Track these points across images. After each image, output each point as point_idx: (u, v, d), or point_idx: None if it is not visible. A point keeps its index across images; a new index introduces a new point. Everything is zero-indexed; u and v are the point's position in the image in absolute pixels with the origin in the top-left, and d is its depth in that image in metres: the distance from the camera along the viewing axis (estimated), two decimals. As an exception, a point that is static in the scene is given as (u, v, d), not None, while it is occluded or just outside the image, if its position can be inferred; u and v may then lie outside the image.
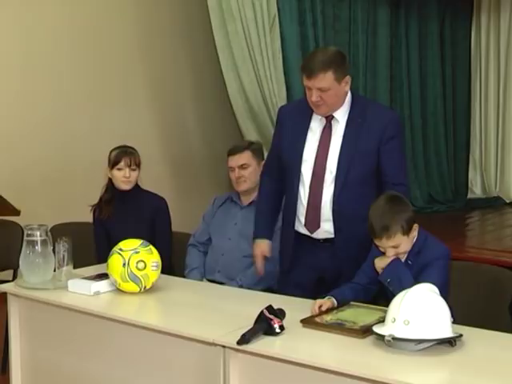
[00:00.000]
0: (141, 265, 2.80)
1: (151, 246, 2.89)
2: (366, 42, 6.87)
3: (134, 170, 3.58)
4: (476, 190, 8.16)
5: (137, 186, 3.64)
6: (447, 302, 2.24)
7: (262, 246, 3.16)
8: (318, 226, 2.98)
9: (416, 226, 2.55)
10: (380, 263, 2.55)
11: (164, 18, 6.12)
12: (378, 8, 6.97)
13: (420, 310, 2.16)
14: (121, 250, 2.83)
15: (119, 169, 3.56)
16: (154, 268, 2.84)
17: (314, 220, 2.98)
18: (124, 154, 3.57)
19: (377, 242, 2.54)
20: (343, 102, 2.95)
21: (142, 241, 2.89)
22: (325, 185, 2.94)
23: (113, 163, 3.57)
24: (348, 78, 2.90)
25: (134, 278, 2.79)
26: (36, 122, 5.26)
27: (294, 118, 3.06)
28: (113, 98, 5.75)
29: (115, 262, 2.81)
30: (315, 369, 2.11)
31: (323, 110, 2.93)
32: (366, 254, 2.90)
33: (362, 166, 2.92)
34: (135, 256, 2.80)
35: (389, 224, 2.49)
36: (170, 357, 2.51)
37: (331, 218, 2.95)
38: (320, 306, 2.51)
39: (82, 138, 5.51)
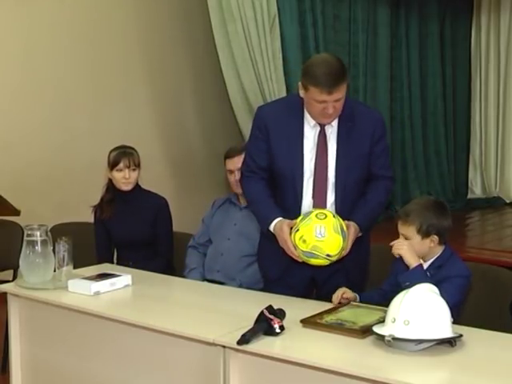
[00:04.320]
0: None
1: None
2: (366, 42, 6.86)
3: (133, 170, 3.57)
4: (476, 190, 8.16)
5: (137, 186, 3.63)
6: (456, 322, 2.26)
7: (286, 227, 2.74)
8: None
9: (435, 239, 2.53)
10: (406, 254, 2.49)
11: (164, 17, 6.12)
12: (378, 8, 6.97)
13: (420, 310, 2.16)
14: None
15: (119, 170, 3.56)
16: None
17: None
18: (123, 155, 3.56)
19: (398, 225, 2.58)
20: None
21: None
22: (328, 193, 2.84)
23: (112, 164, 3.56)
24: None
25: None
26: (36, 121, 5.26)
27: (282, 123, 2.82)
28: (112, 97, 5.75)
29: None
30: (315, 369, 2.11)
31: (331, 119, 2.78)
32: (357, 253, 2.86)
33: (358, 169, 2.85)
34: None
35: (411, 212, 2.54)
36: (170, 357, 2.51)
37: None
38: (343, 294, 2.57)
39: (82, 138, 5.51)
